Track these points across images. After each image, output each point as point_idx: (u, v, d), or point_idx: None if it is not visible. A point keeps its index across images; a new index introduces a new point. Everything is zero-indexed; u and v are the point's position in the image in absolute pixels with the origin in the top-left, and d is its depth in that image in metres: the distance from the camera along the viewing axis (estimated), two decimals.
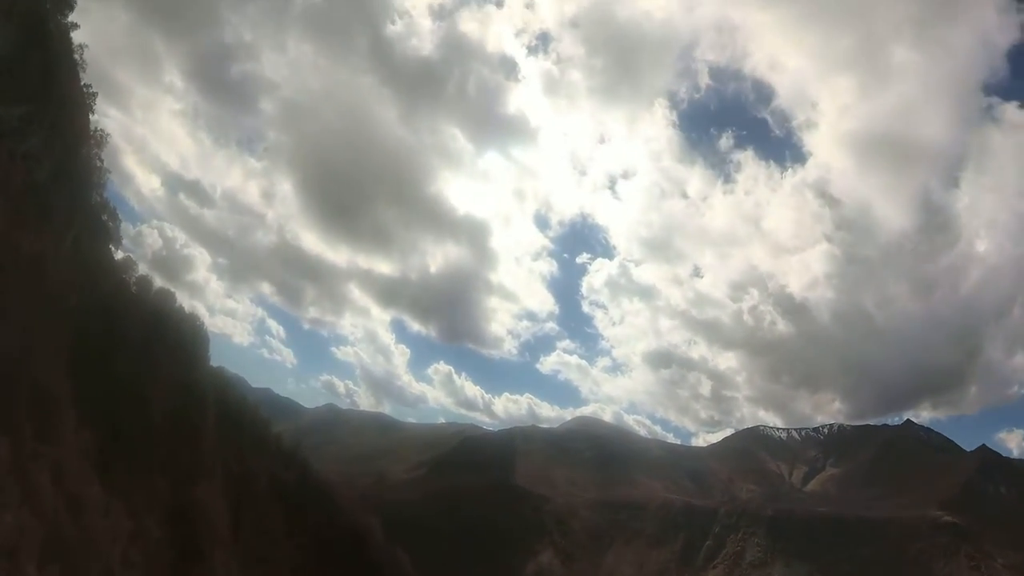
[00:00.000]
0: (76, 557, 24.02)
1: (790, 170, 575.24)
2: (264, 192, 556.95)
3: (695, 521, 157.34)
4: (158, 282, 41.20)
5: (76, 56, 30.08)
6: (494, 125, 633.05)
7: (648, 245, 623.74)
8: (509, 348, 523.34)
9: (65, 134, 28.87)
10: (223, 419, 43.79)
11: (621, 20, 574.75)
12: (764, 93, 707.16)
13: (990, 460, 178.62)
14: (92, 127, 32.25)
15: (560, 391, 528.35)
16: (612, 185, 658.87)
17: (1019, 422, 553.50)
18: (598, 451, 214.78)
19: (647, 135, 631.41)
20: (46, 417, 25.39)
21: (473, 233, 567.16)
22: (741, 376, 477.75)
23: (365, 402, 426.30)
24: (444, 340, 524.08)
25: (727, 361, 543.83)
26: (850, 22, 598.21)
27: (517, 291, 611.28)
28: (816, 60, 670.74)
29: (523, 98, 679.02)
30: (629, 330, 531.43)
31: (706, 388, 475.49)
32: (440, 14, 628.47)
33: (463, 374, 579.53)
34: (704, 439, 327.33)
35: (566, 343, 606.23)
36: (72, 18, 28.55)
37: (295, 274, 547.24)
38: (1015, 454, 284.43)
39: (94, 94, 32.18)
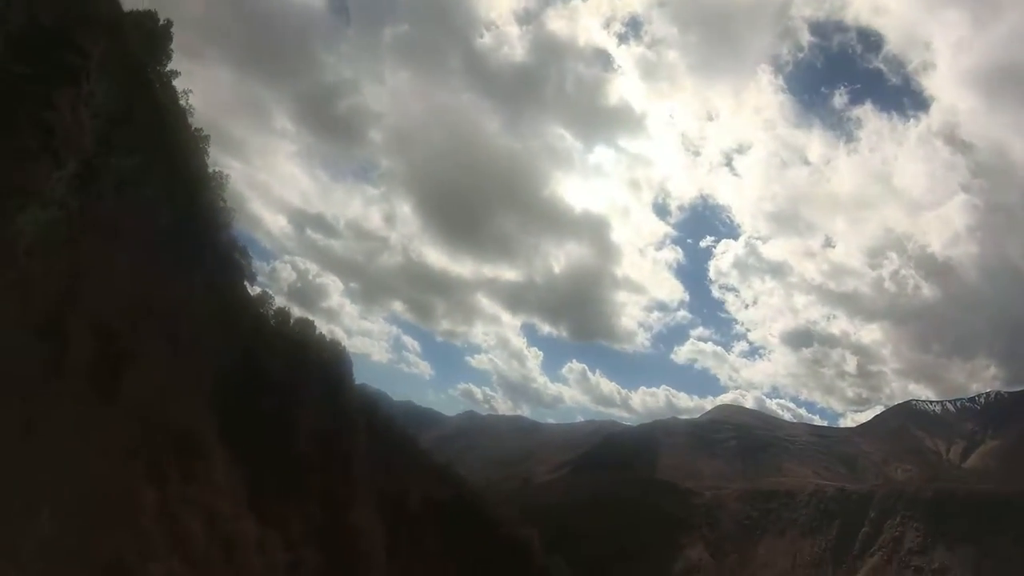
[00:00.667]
0: None
1: (913, 119, 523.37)
2: (385, 216, 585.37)
3: (849, 507, 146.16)
4: (296, 312, 42.16)
5: (182, 102, 31.05)
6: (598, 119, 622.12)
7: (774, 219, 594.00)
8: (641, 341, 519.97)
9: (183, 179, 29.52)
10: (373, 440, 43.72)
11: None
12: (872, 41, 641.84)
13: None
14: (210, 168, 33.47)
15: (697, 380, 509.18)
16: (728, 162, 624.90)
17: None
18: (742, 439, 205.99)
19: (756, 105, 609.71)
20: (193, 461, 25.57)
21: (593, 229, 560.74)
22: (887, 349, 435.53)
23: (503, 407, 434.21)
24: (575, 339, 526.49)
25: (871, 334, 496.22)
26: None
27: (644, 283, 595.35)
28: None
29: (623, 87, 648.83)
30: (763, 311, 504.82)
31: (851, 365, 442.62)
32: (526, 18, 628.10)
33: (597, 371, 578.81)
34: (853, 419, 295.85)
35: (699, 331, 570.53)
36: (171, 66, 29.44)
37: (423, 290, 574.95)
38: None
39: (206, 137, 33.24)
